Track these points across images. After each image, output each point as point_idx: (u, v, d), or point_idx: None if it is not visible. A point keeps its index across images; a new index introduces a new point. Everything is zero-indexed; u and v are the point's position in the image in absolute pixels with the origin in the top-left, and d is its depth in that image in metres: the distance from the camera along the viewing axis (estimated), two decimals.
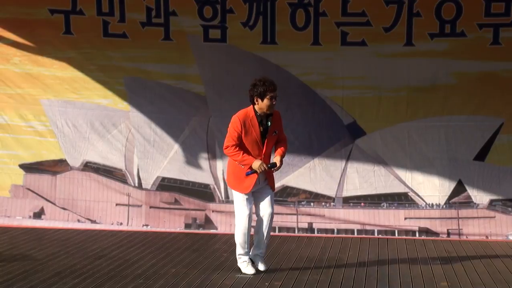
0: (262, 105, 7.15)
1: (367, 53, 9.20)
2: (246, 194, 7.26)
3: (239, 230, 7.32)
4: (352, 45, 9.20)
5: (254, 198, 7.34)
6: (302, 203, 9.43)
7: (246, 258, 7.42)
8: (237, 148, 7.18)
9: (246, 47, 9.35)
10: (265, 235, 7.37)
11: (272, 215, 7.34)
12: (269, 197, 7.35)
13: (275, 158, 7.25)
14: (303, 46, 9.26)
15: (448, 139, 9.27)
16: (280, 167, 7.23)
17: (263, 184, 7.34)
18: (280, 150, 7.31)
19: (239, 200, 7.31)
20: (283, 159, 7.30)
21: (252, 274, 7.26)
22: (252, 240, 7.50)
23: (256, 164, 7.10)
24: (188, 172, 9.60)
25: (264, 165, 7.10)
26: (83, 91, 9.65)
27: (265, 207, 7.34)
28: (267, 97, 7.12)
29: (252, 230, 7.48)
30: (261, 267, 7.43)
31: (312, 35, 9.24)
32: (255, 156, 7.17)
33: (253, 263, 7.44)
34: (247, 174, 7.14)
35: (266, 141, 7.20)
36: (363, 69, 9.23)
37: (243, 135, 7.15)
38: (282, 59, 9.32)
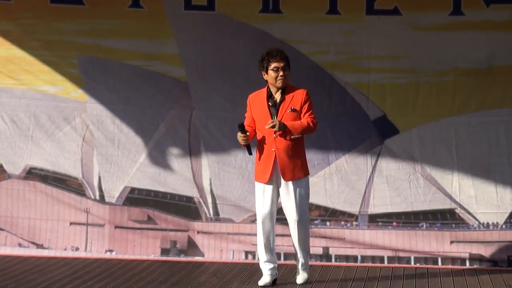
0: (270, 79, 7.46)
1: (401, 25, 8.55)
2: (262, 184, 7.51)
3: (257, 230, 7.71)
4: (381, 14, 8.58)
5: (281, 197, 7.61)
6: (315, 222, 8.88)
7: (263, 266, 7.63)
8: None
9: (241, 17, 8.79)
10: (296, 243, 7.60)
11: (299, 221, 7.48)
12: (292, 199, 7.46)
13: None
14: (316, 16, 8.67)
15: (509, 139, 8.60)
16: (275, 126, 7.25)
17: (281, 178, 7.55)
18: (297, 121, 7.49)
19: (256, 191, 7.68)
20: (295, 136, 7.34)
21: (261, 286, 7.54)
22: None
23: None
24: (164, 182, 9.04)
25: (239, 133, 7.41)
26: (23, 75, 9.05)
27: (288, 212, 7.52)
28: (271, 68, 7.41)
29: None
30: (298, 279, 7.69)
31: (328, 1, 8.65)
32: (264, 133, 7.49)
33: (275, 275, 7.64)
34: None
35: (278, 118, 7.44)
36: (396, 46, 8.60)
37: (252, 112, 7.59)
38: (289, 32, 8.71)
